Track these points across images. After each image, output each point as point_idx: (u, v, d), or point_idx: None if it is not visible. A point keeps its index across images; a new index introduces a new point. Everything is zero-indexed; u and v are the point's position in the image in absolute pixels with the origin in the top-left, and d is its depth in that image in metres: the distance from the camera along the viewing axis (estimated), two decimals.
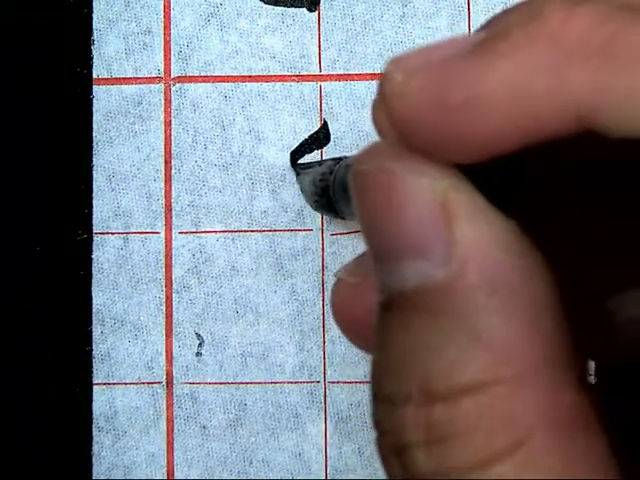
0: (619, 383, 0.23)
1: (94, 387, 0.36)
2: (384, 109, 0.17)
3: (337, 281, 0.21)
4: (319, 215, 0.36)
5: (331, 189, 0.32)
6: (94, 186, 0.36)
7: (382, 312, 0.18)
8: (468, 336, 0.16)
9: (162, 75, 0.37)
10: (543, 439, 0.16)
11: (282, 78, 0.37)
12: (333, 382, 0.36)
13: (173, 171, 0.36)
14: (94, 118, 0.36)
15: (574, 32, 0.15)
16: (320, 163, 0.34)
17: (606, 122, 0.15)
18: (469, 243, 0.16)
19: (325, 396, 0.36)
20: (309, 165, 0.35)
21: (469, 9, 0.36)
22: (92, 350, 0.36)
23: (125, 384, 0.36)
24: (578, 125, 0.16)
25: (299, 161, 0.36)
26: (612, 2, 0.16)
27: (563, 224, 0.21)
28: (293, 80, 0.37)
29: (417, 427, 0.16)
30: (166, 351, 0.36)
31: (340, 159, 0.34)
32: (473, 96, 0.16)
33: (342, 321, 0.21)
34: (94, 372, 0.36)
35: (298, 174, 0.36)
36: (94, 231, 0.36)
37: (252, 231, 0.36)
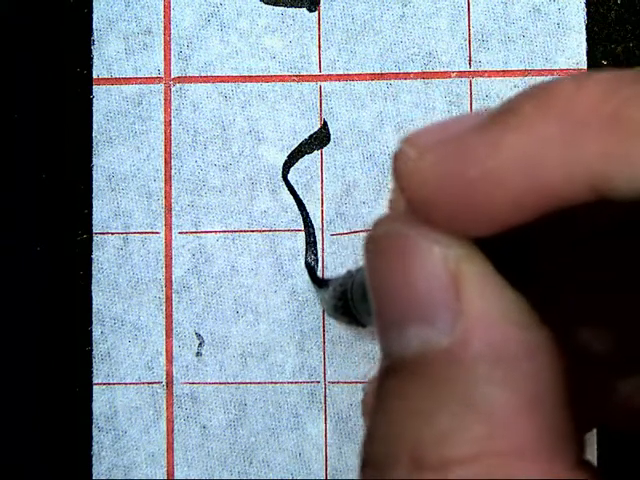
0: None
1: (94, 387, 0.36)
2: (398, 186, 0.17)
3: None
4: (319, 215, 0.36)
5: (349, 292, 0.32)
6: (94, 186, 0.36)
7: (381, 379, 0.18)
8: (464, 406, 0.16)
9: (162, 75, 0.37)
10: None
11: (282, 78, 0.37)
12: (333, 382, 0.36)
13: (173, 171, 0.36)
14: (94, 118, 0.36)
15: (584, 103, 0.16)
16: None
17: (617, 188, 0.15)
18: (476, 313, 0.17)
19: (325, 396, 0.36)
20: (332, 279, 0.35)
21: (469, 9, 0.36)
22: (92, 350, 0.36)
23: (125, 384, 0.36)
24: (591, 193, 0.16)
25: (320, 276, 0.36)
26: (619, 74, 0.16)
27: (575, 297, 0.21)
28: (293, 80, 0.37)
29: None
30: (166, 351, 0.36)
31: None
32: (487, 170, 0.16)
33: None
34: (94, 372, 0.36)
35: (320, 287, 0.35)
36: (94, 231, 0.36)
37: (252, 231, 0.36)
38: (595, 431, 0.35)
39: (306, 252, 0.36)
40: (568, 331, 0.20)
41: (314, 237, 0.36)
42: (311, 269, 0.36)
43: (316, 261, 0.36)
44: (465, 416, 0.16)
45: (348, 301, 0.32)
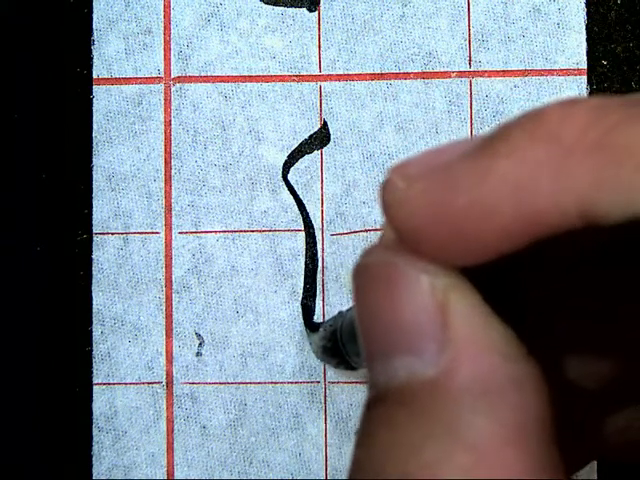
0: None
1: (94, 387, 0.36)
2: (386, 216, 0.17)
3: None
4: (319, 215, 0.36)
5: (339, 332, 0.32)
6: (94, 186, 0.36)
7: (367, 409, 0.18)
8: (450, 436, 0.16)
9: (162, 75, 0.37)
10: None
11: (282, 78, 0.37)
12: (333, 382, 0.36)
13: (173, 171, 0.36)
14: (94, 118, 0.36)
15: (572, 130, 0.16)
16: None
17: (607, 215, 0.15)
18: (462, 344, 0.16)
19: (325, 396, 0.36)
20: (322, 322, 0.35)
21: (469, 9, 0.36)
22: (92, 350, 0.36)
23: (125, 384, 0.36)
24: (580, 220, 0.16)
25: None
26: (606, 100, 0.16)
27: (565, 326, 0.21)
28: (293, 80, 0.37)
29: None
30: (166, 351, 0.36)
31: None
32: (475, 198, 0.16)
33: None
34: (94, 372, 0.36)
35: (311, 330, 0.35)
36: (94, 231, 0.36)
37: (252, 231, 0.36)
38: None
39: (304, 292, 0.36)
40: (558, 361, 0.20)
41: (314, 237, 0.36)
42: (307, 310, 0.36)
43: (314, 297, 0.36)
44: (451, 446, 0.16)
45: (338, 342, 0.32)
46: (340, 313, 0.33)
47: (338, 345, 0.32)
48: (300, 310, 0.36)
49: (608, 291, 0.20)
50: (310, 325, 0.36)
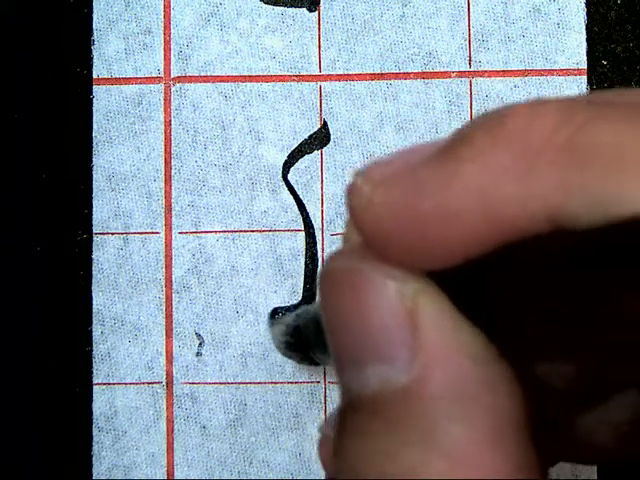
0: None
1: (94, 387, 0.36)
2: (352, 221, 0.17)
3: (321, 436, 0.21)
4: (319, 215, 0.36)
5: (303, 328, 0.31)
6: (94, 186, 0.36)
7: (340, 417, 0.17)
8: (425, 443, 0.16)
9: (162, 75, 0.37)
10: None
11: (282, 78, 0.37)
12: (333, 382, 0.36)
13: (173, 171, 0.36)
14: (94, 118, 0.36)
15: (537, 133, 0.15)
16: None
17: (575, 219, 0.15)
18: (433, 350, 0.16)
19: (325, 396, 0.36)
20: (285, 315, 0.35)
21: (469, 9, 0.36)
22: (92, 350, 0.36)
23: (125, 384, 0.36)
24: (548, 224, 0.15)
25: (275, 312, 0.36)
26: (572, 101, 0.16)
27: (535, 329, 0.21)
28: (293, 80, 0.37)
29: None
30: (166, 351, 0.36)
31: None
32: (440, 204, 0.16)
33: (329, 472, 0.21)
34: (94, 372, 0.36)
35: (272, 324, 0.35)
36: (94, 231, 0.36)
37: (252, 231, 0.36)
38: None
39: (304, 292, 0.36)
40: (528, 364, 0.20)
41: (314, 237, 0.36)
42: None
43: (313, 297, 0.36)
44: (426, 453, 0.16)
45: (302, 338, 0.31)
46: (304, 309, 0.33)
47: (302, 341, 0.32)
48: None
49: (577, 295, 0.20)
50: (273, 320, 0.36)
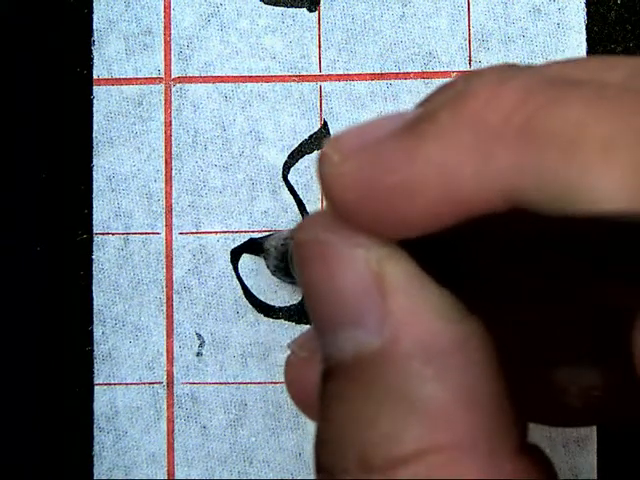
0: None
1: (95, 387, 0.36)
2: (322, 188, 0.18)
3: (289, 355, 0.21)
4: None
5: (289, 253, 0.32)
6: (94, 187, 0.36)
7: (322, 383, 0.18)
8: (402, 406, 0.16)
9: (162, 75, 0.37)
10: None
11: (282, 78, 0.37)
12: None
13: (173, 172, 0.36)
14: (94, 119, 0.36)
15: (497, 112, 0.16)
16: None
17: (529, 201, 0.15)
18: (402, 311, 0.17)
19: None
20: (275, 233, 0.35)
21: (469, 9, 0.36)
22: (93, 350, 0.36)
23: (126, 384, 0.36)
24: (505, 204, 0.16)
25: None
26: (541, 74, 0.16)
27: (507, 294, 0.21)
28: (293, 80, 0.37)
29: None
30: (167, 351, 0.36)
31: None
32: (402, 179, 0.16)
33: (295, 395, 0.21)
34: (95, 372, 0.36)
35: (262, 243, 0.35)
36: (94, 231, 0.36)
37: (252, 231, 0.36)
38: (595, 428, 0.35)
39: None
40: (500, 323, 0.20)
41: None
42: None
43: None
44: (404, 415, 0.16)
45: (288, 263, 0.32)
46: (290, 231, 0.33)
47: (289, 266, 0.32)
48: None
49: (544, 267, 0.20)
50: (255, 247, 0.35)
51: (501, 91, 0.16)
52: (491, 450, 0.16)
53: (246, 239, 0.36)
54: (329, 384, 0.17)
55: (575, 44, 0.36)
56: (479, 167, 0.16)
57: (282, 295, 0.36)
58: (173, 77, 0.37)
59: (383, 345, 0.17)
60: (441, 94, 0.17)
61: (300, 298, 0.36)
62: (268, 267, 0.35)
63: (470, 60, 0.36)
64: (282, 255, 0.33)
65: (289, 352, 0.21)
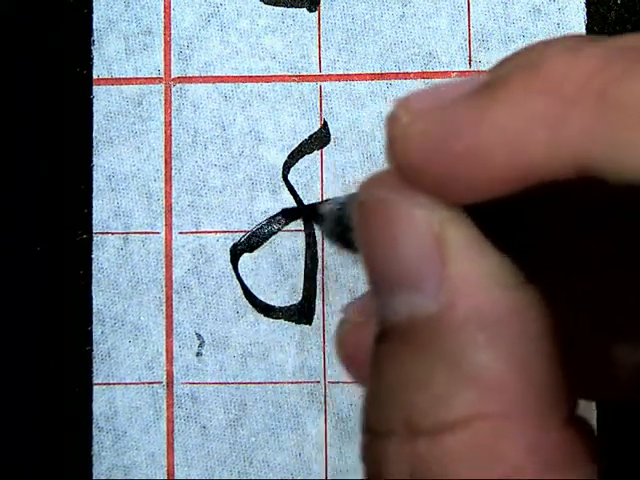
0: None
1: (94, 387, 0.36)
2: (388, 148, 0.18)
3: (342, 320, 0.21)
4: None
5: (345, 217, 0.32)
6: (94, 186, 0.36)
7: (375, 344, 0.18)
8: (454, 371, 0.16)
9: (162, 75, 0.37)
10: (528, 478, 0.15)
11: (282, 78, 0.37)
12: (333, 382, 0.36)
13: (173, 171, 0.36)
14: (94, 118, 0.36)
15: (574, 79, 0.15)
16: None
17: (601, 170, 0.15)
18: (461, 277, 0.16)
19: (325, 396, 0.36)
20: (329, 199, 0.35)
21: (469, 9, 0.36)
22: (92, 350, 0.36)
23: (125, 384, 0.36)
24: (576, 171, 0.16)
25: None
26: (617, 43, 0.16)
27: (570, 264, 0.21)
28: (293, 80, 0.37)
29: (400, 462, 0.16)
30: (166, 351, 0.36)
31: None
32: (470, 146, 0.16)
33: (345, 359, 0.21)
34: (94, 372, 0.36)
35: (316, 208, 0.35)
36: (94, 231, 0.36)
37: (252, 231, 0.36)
38: (595, 409, 0.35)
39: (304, 291, 0.36)
40: (562, 293, 0.20)
41: (314, 237, 0.36)
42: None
43: (314, 297, 0.36)
44: (455, 381, 0.16)
45: (345, 226, 0.32)
46: (349, 195, 0.33)
47: (345, 230, 0.32)
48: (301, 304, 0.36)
49: (616, 237, 0.20)
50: (309, 211, 0.35)
51: (579, 57, 0.16)
52: (539, 420, 0.16)
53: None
54: (382, 345, 0.17)
55: None
56: (551, 134, 0.15)
57: (282, 295, 0.36)
58: (173, 77, 0.37)
59: (439, 310, 0.16)
60: (514, 60, 0.17)
61: (300, 298, 0.36)
62: (322, 231, 0.35)
63: (470, 60, 0.36)
64: (338, 219, 0.33)
65: (342, 315, 0.21)
